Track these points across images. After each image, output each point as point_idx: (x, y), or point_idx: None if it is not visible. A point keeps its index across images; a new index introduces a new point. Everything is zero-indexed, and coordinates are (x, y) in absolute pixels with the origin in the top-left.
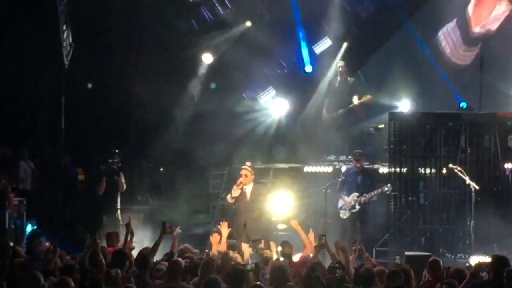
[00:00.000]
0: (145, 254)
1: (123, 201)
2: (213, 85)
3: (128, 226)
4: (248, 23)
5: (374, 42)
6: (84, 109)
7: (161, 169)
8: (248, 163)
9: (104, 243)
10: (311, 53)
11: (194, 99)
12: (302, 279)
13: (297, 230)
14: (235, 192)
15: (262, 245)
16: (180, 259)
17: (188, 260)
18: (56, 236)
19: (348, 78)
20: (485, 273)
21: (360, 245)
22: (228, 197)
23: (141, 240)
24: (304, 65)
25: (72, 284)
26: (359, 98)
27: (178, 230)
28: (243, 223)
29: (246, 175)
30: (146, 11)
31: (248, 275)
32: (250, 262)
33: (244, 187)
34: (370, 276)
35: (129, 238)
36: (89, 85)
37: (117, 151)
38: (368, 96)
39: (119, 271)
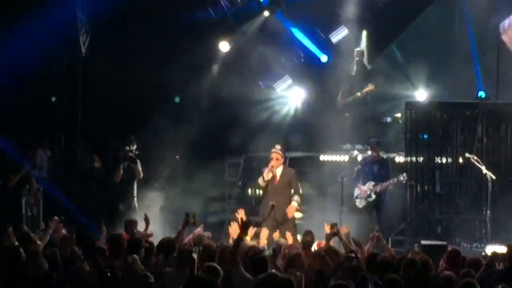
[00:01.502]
0: (171, 241)
1: (139, 188)
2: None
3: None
4: (266, 13)
5: (392, 30)
6: (101, 96)
7: (177, 157)
8: (278, 146)
9: (122, 230)
10: (327, 42)
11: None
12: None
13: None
14: (267, 175)
15: (277, 233)
16: (187, 247)
17: (202, 248)
18: (73, 224)
19: (365, 65)
20: (501, 263)
21: (378, 233)
22: (260, 180)
23: (159, 228)
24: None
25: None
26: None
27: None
28: (270, 206)
29: (277, 158)
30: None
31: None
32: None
33: (275, 170)
34: (388, 264)
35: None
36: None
37: (133, 138)
38: (371, 86)
39: (136, 257)
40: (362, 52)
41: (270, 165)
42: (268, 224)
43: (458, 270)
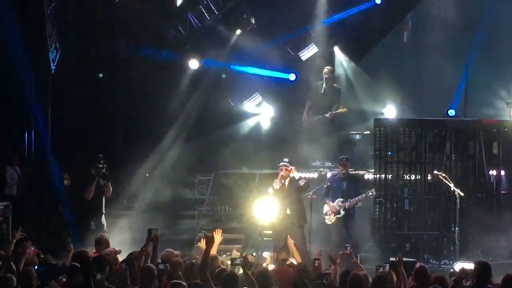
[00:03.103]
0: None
1: (108, 206)
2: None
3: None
4: (238, 31)
5: (361, 48)
6: (70, 114)
7: (147, 174)
8: (286, 159)
9: (92, 248)
10: (296, 59)
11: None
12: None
13: (291, 248)
14: (277, 184)
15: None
16: (152, 265)
17: (168, 265)
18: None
19: (334, 85)
20: (469, 280)
21: (350, 251)
22: (270, 190)
23: (125, 245)
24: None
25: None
26: (337, 108)
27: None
28: (282, 215)
29: (286, 170)
30: (133, 17)
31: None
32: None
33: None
34: (358, 281)
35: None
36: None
37: (101, 155)
38: (342, 109)
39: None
40: (333, 70)
41: (279, 176)
42: (282, 229)
43: (426, 287)
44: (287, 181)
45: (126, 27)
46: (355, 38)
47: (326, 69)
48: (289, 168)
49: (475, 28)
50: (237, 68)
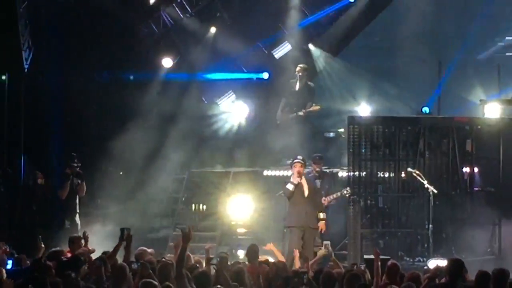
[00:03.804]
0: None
1: (83, 205)
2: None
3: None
4: (213, 29)
5: (335, 46)
6: (44, 112)
7: (121, 173)
8: (300, 156)
9: (66, 247)
10: (270, 57)
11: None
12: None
13: (274, 251)
14: (295, 180)
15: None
16: (124, 263)
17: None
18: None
19: (309, 83)
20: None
21: (329, 248)
22: (290, 186)
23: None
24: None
25: None
26: (311, 106)
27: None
28: (300, 213)
29: (301, 166)
30: (107, 15)
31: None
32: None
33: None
34: (332, 279)
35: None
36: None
37: (74, 154)
38: (315, 107)
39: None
40: (305, 68)
41: (296, 172)
42: (299, 230)
43: (398, 285)
44: (303, 180)
45: (101, 25)
46: (329, 36)
47: (299, 67)
48: (304, 166)
49: (449, 25)
50: (206, 76)
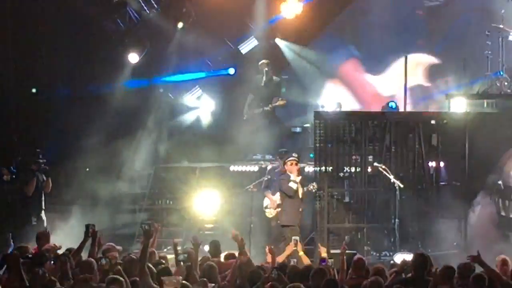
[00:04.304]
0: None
1: (48, 201)
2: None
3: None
4: (180, 24)
5: (301, 40)
6: (8, 108)
7: (87, 169)
8: (294, 154)
9: (34, 243)
10: (236, 53)
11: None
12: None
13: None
14: (297, 178)
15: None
16: (91, 259)
17: (108, 260)
18: None
19: (274, 78)
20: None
21: (298, 242)
22: (293, 185)
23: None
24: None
25: None
26: (277, 101)
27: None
28: (296, 211)
29: (296, 164)
30: (72, 11)
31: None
32: None
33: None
34: (298, 274)
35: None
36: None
37: (39, 150)
38: (281, 102)
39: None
40: (267, 63)
41: (296, 169)
42: (296, 227)
43: (364, 279)
44: (298, 178)
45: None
46: (295, 30)
47: (262, 62)
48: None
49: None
50: (169, 79)
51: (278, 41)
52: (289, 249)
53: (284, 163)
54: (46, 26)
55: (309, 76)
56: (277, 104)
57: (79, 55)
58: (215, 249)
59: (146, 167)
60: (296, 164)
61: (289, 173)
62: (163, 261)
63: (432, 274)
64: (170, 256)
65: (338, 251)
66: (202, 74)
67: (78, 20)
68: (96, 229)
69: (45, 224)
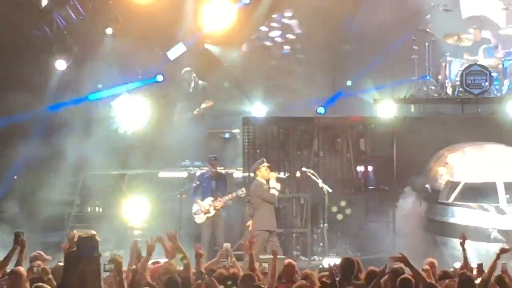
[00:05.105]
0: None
1: None
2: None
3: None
4: (109, 30)
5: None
6: None
7: (15, 177)
8: (264, 159)
9: None
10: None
11: None
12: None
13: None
14: (277, 185)
15: None
16: (21, 268)
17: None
18: None
19: (200, 83)
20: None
21: (229, 249)
22: (275, 191)
23: None
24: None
25: None
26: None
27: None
28: (274, 216)
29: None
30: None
31: None
32: None
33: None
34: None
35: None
36: None
37: None
38: (208, 103)
39: None
40: (191, 70)
41: (275, 178)
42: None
43: (293, 283)
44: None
45: None
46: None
47: (185, 70)
48: None
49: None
50: (93, 97)
51: (208, 46)
52: (220, 255)
53: (257, 169)
54: None
55: (240, 81)
56: (205, 106)
57: (5, 64)
58: (137, 254)
59: (75, 174)
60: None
61: (262, 180)
62: None
63: (360, 278)
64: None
65: (268, 256)
66: (132, 85)
67: (5, 27)
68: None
69: None
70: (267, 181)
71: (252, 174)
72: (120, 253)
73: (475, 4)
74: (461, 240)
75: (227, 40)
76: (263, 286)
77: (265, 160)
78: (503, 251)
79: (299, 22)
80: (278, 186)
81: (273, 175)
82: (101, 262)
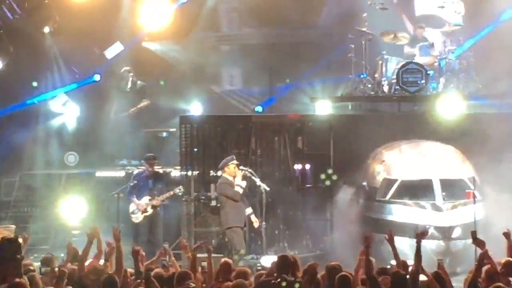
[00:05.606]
0: None
1: None
2: None
3: None
4: (47, 29)
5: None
6: None
7: None
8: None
9: None
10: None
11: None
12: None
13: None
14: (243, 183)
15: None
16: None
17: None
18: None
19: (138, 82)
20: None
21: (168, 249)
22: (239, 189)
23: None
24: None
25: None
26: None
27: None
28: (240, 213)
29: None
30: None
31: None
32: None
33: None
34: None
35: None
36: None
37: None
38: (145, 102)
39: None
40: (129, 70)
41: (242, 174)
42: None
43: (230, 281)
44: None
45: None
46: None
47: (124, 69)
48: None
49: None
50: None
51: (146, 44)
52: (159, 255)
53: (226, 166)
54: None
55: (179, 80)
56: (141, 105)
57: None
58: (73, 252)
59: (11, 174)
60: (239, 168)
61: (228, 177)
62: (31, 268)
63: (298, 276)
64: (37, 264)
65: (205, 255)
66: (70, 87)
67: None
68: None
69: None
70: (234, 178)
71: (219, 173)
72: (60, 255)
73: (428, 3)
74: (386, 237)
75: (166, 38)
76: (192, 285)
77: (235, 157)
78: (419, 235)
79: (239, 20)
80: (243, 183)
81: (238, 172)
82: (35, 265)
